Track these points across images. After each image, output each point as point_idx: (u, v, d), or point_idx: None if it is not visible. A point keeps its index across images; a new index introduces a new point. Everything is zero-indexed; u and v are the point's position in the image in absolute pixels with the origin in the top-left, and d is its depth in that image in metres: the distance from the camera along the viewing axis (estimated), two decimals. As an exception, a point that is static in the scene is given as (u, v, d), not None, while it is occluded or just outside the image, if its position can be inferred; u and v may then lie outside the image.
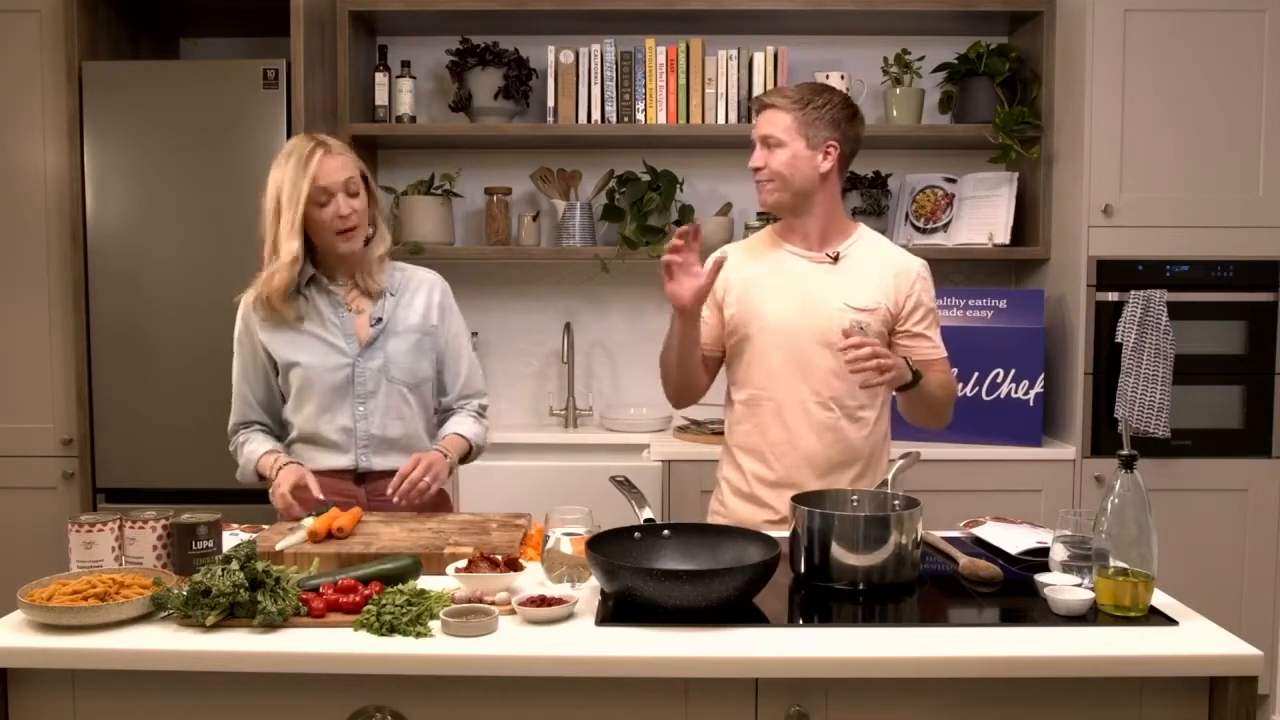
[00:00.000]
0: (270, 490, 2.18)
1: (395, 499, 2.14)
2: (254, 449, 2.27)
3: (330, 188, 2.17)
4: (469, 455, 2.36)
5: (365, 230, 2.25)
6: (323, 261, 2.27)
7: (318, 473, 2.19)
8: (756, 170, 2.30)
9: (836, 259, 2.30)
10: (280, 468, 2.18)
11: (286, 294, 2.20)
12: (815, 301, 2.27)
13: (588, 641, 1.54)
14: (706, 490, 3.22)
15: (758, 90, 3.54)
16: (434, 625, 1.58)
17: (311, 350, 2.24)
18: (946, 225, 3.66)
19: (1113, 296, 3.27)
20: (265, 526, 2.17)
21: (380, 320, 2.27)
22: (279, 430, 2.33)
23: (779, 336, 2.27)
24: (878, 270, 2.30)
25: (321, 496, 2.12)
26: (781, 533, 1.89)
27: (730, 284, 2.33)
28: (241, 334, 2.30)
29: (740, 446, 2.36)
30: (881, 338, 2.27)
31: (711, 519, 2.40)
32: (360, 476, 2.27)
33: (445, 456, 2.23)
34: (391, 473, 2.23)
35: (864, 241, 2.35)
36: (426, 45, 3.75)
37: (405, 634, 1.55)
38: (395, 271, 2.35)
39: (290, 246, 2.16)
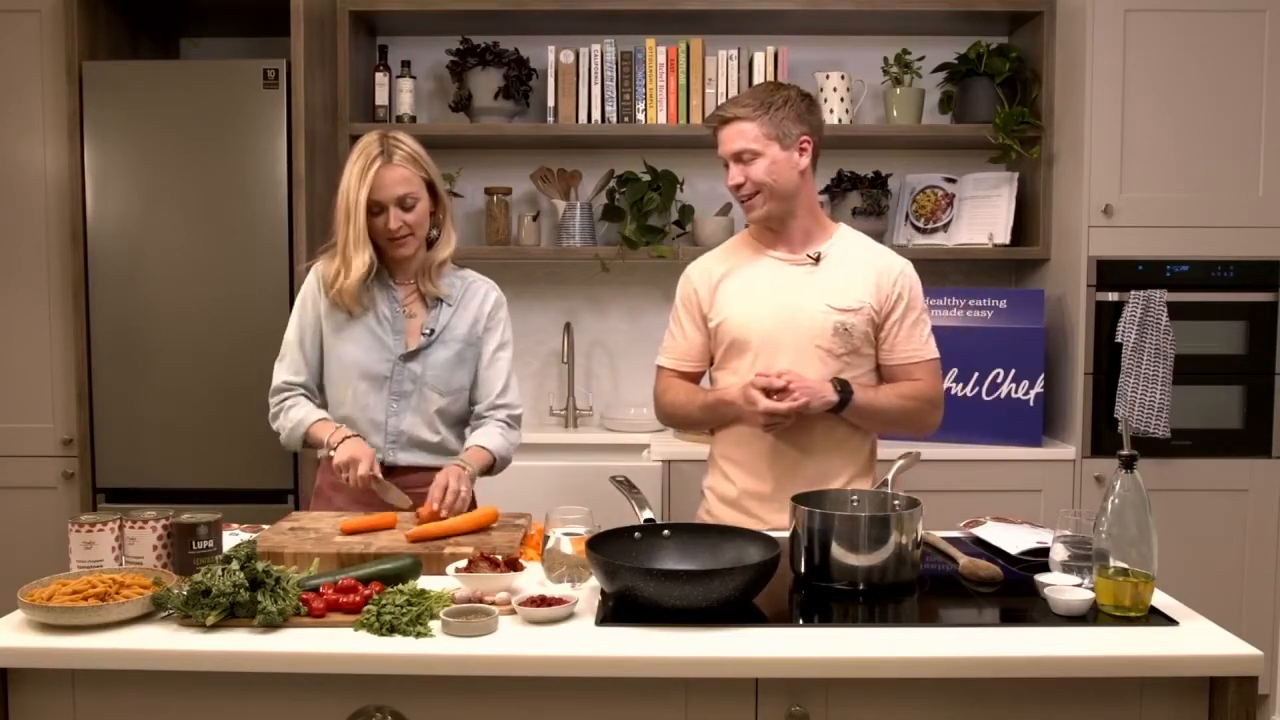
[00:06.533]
0: (333, 461, 2.18)
1: (442, 512, 2.10)
2: (304, 414, 2.28)
3: (383, 201, 2.20)
4: (492, 468, 2.33)
5: (419, 240, 2.27)
6: (386, 258, 2.30)
7: None
8: (737, 188, 2.22)
9: (818, 260, 2.26)
10: (342, 439, 2.20)
11: (356, 296, 2.24)
12: (799, 306, 2.22)
13: (588, 641, 1.54)
14: (707, 490, 3.24)
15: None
16: (434, 625, 1.58)
17: (358, 340, 2.28)
18: (946, 225, 3.65)
19: (1113, 296, 3.27)
20: (265, 526, 2.17)
21: (432, 331, 2.29)
22: (320, 400, 2.35)
23: (765, 345, 2.22)
24: (860, 269, 2.25)
25: (380, 474, 2.18)
26: (781, 533, 1.89)
27: (713, 295, 2.29)
28: (305, 299, 2.32)
29: (728, 458, 2.31)
30: (867, 338, 2.23)
31: None
32: (386, 469, 2.28)
33: (464, 469, 2.21)
34: (415, 469, 2.29)
35: (844, 240, 2.30)
36: (426, 45, 3.75)
37: (405, 634, 1.55)
38: (457, 279, 2.36)
39: (362, 259, 2.20)
